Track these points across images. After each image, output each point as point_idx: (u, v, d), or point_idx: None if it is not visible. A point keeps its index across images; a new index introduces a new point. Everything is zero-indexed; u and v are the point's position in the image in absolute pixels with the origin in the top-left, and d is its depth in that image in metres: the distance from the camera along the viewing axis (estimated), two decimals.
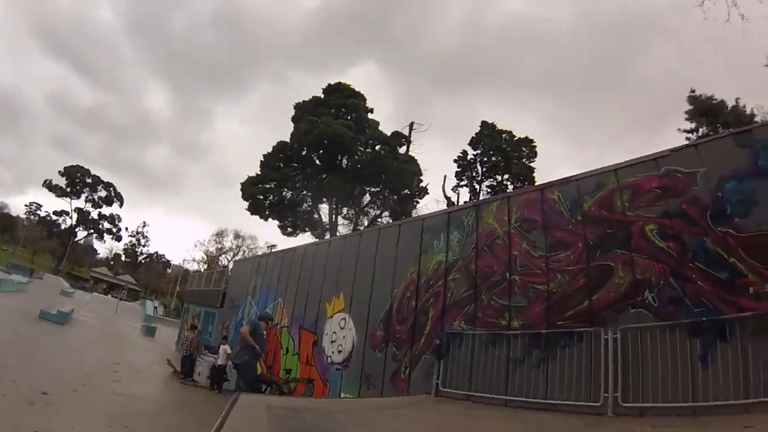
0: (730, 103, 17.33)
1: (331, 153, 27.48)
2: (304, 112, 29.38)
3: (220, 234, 66.54)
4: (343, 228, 29.66)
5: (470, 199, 28.17)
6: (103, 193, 77.90)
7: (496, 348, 6.85)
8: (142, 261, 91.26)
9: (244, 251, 60.71)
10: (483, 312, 7.33)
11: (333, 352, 10.64)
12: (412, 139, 30.26)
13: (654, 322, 5.59)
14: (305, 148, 27.86)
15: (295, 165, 29.17)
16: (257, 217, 30.17)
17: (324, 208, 29.88)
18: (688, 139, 17.51)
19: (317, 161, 28.26)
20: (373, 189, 29.61)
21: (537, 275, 6.84)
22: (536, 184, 22.73)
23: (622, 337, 5.68)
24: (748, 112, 17.12)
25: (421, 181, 29.83)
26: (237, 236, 64.83)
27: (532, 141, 29.70)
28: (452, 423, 5.29)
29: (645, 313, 5.77)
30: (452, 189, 29.34)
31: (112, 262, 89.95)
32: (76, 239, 79.26)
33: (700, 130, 17.53)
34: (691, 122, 17.98)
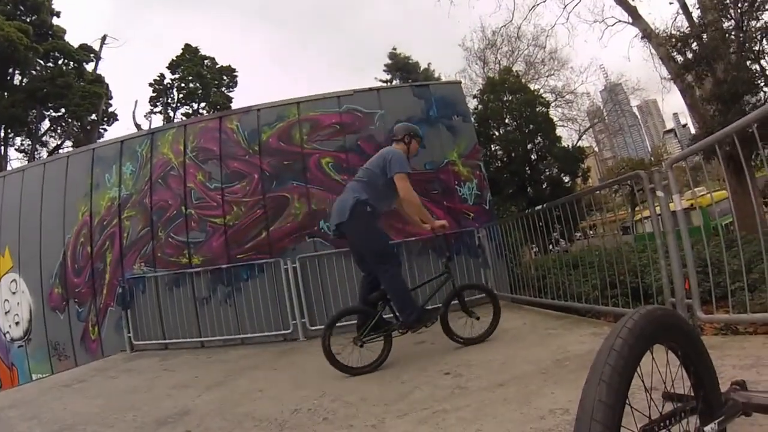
0: (423, 66, 20.45)
1: (0, 65, 20.82)
2: None
3: None
4: (18, 163, 23.17)
5: None
6: None
7: (181, 288, 6.41)
8: None
9: None
10: (162, 251, 6.68)
11: (10, 326, 8.49)
12: (102, 56, 25.19)
13: (330, 250, 6.05)
14: None
15: None
16: None
17: None
18: None
19: None
20: (53, 114, 23.84)
21: (213, 208, 6.52)
22: None
23: (301, 264, 6.00)
24: (436, 75, 20.12)
25: (111, 105, 25.57)
26: None
27: (234, 70, 28.16)
28: (145, 383, 4.65)
29: (321, 241, 6.22)
30: (145, 116, 26.68)
31: None
32: None
33: (394, 82, 20.08)
34: (388, 74, 20.59)
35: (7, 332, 8.47)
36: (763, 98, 9.19)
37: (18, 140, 23.98)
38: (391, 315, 3.91)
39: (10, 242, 8.59)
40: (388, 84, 19.33)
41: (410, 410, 2.65)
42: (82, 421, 3.48)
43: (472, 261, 6.34)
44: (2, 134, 22.28)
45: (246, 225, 6.37)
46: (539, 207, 5.42)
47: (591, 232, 13.74)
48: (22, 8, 22.46)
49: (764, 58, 9.27)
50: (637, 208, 20.01)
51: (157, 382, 4.66)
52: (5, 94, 21.37)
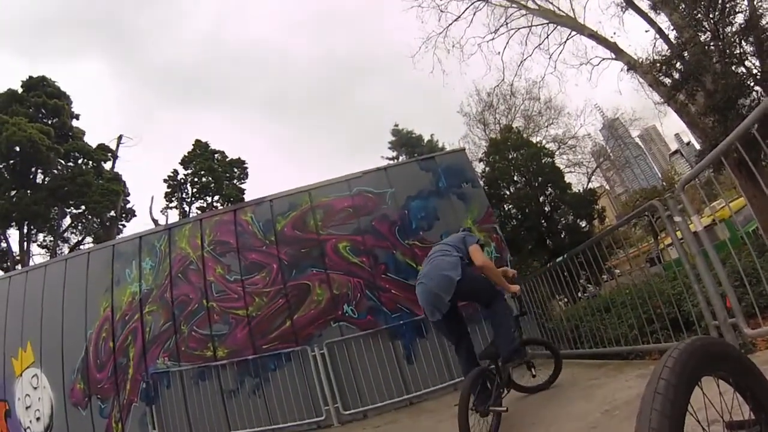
0: (426, 138, 21.14)
1: (23, 164, 21.56)
2: None
3: None
4: (40, 258, 23.67)
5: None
6: None
7: (207, 381, 6.35)
8: None
9: None
10: (186, 345, 6.66)
11: (31, 421, 8.38)
12: (119, 155, 26.33)
13: (357, 333, 6.06)
14: None
15: None
16: None
17: (13, 234, 23.22)
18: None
19: (5, 174, 21.82)
20: (74, 211, 24.55)
21: (234, 300, 6.56)
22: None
23: (329, 350, 5.98)
24: (440, 145, 20.92)
25: (128, 201, 26.42)
26: None
27: (244, 162, 29.04)
28: None
29: (347, 325, 6.22)
30: (161, 211, 27.16)
31: None
32: None
33: (400, 158, 20.82)
34: (393, 151, 21.41)
35: (28, 428, 8.32)
36: (757, 97, 9.15)
37: (40, 236, 24.56)
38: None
39: (32, 337, 8.63)
40: (395, 161, 19.72)
41: None
42: None
43: None
44: (25, 230, 22.87)
45: (269, 315, 6.38)
46: (559, 259, 5.37)
47: (617, 271, 13.51)
48: (43, 111, 23.77)
49: (747, 59, 9.35)
50: (659, 237, 19.72)
51: None
52: (28, 192, 22.14)
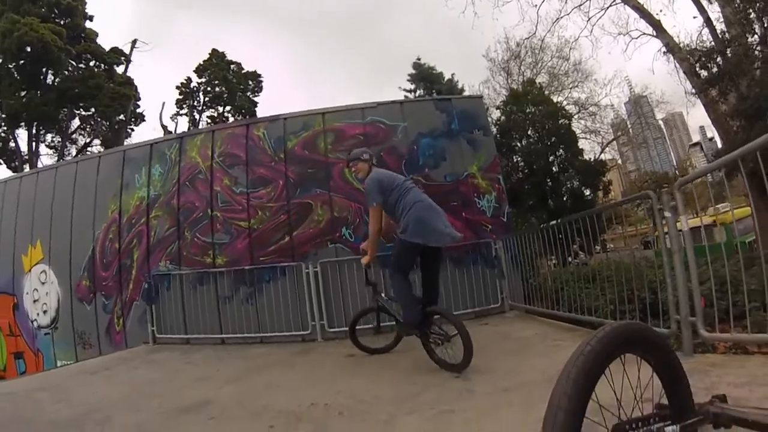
0: (447, 76, 20.21)
1: (34, 65, 21.33)
2: (5, 6, 21.24)
3: None
4: (48, 159, 24.13)
5: (189, 129, 26.35)
6: None
7: (204, 287, 6.62)
8: None
9: None
10: (187, 250, 6.90)
11: (38, 314, 8.84)
12: (132, 59, 25.94)
13: (350, 256, 6.19)
14: (1, 56, 20.84)
15: None
16: None
17: (22, 134, 23.53)
18: (406, 97, 19.70)
19: (16, 74, 21.64)
20: (83, 113, 24.56)
21: (238, 211, 6.73)
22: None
23: (322, 269, 6.18)
24: (460, 86, 20.24)
25: (138, 106, 26.21)
26: None
27: (259, 75, 28.77)
28: (168, 374, 4.89)
29: (342, 247, 6.39)
30: (171, 117, 27.44)
31: None
32: None
33: (418, 92, 20.01)
34: (412, 84, 20.44)
35: (35, 320, 8.81)
36: None
37: (48, 137, 24.70)
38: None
39: (41, 235, 8.95)
40: (412, 94, 19.46)
41: (419, 409, 2.82)
42: (109, 405, 3.69)
43: (488, 271, 6.45)
44: (34, 131, 23.06)
45: (270, 229, 6.56)
46: (555, 222, 5.48)
47: (611, 245, 13.67)
48: (56, 11, 23.22)
49: None
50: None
51: (179, 374, 4.88)
52: (38, 92, 22.11)
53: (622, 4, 13.57)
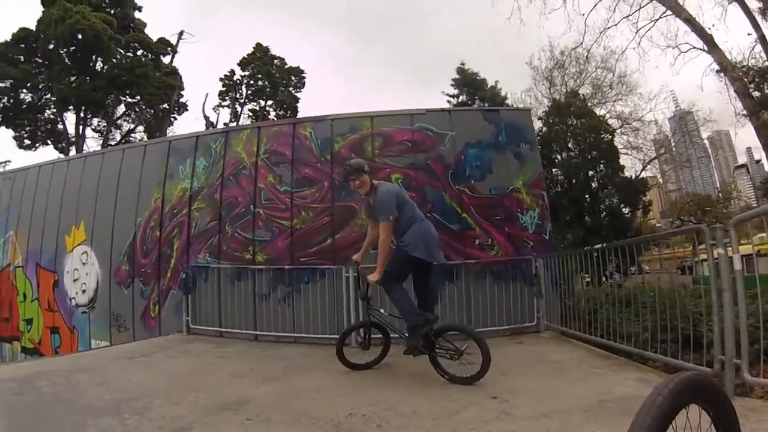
0: (490, 83, 19.79)
1: (84, 52, 22.03)
2: None
3: None
4: (93, 142, 25.14)
5: (230, 121, 27.44)
6: None
7: (242, 282, 6.66)
8: None
9: None
10: (227, 245, 6.97)
11: (77, 293, 9.08)
12: (178, 50, 26.70)
13: None
14: (53, 42, 21.67)
15: (39, 61, 22.81)
16: None
17: (70, 118, 24.41)
18: (449, 102, 19.61)
19: (66, 60, 22.44)
20: (129, 100, 25.39)
21: (281, 210, 6.76)
22: (299, 116, 23.32)
23: (363, 275, 5.97)
24: (503, 94, 19.82)
25: (182, 96, 26.91)
26: None
27: (302, 71, 29.25)
28: (204, 366, 4.95)
29: None
30: (213, 108, 27.96)
31: None
32: None
33: (460, 98, 19.71)
34: (455, 89, 20.03)
35: (73, 298, 9.06)
36: None
37: (95, 121, 25.60)
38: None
39: (85, 218, 9.20)
40: (455, 99, 19.30)
41: (458, 428, 2.79)
42: (148, 395, 3.71)
43: (525, 289, 6.31)
44: (81, 115, 23.94)
45: (312, 230, 6.57)
46: (599, 246, 5.34)
47: (646, 267, 13.26)
48: (107, 1, 24.18)
49: None
50: (700, 247, 19.01)
51: (215, 367, 4.91)
52: (87, 78, 22.86)
53: (673, 16, 13.18)
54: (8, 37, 23.04)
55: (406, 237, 4.12)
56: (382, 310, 4.62)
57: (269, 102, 28.00)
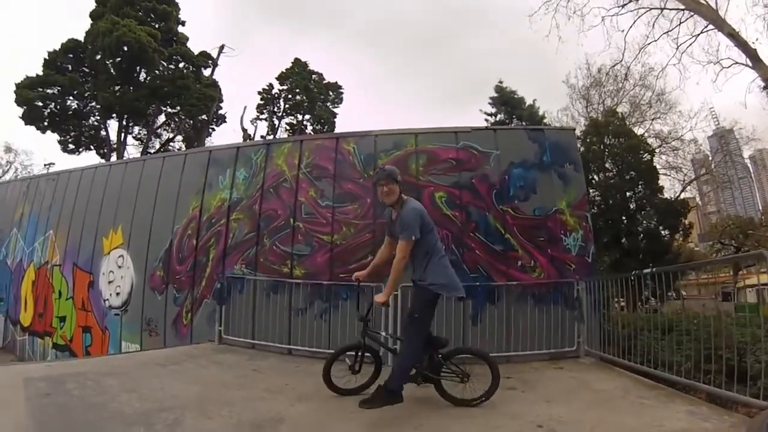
0: (528, 102, 19.65)
1: (129, 63, 22.99)
2: (106, 8, 23.49)
3: None
4: (133, 149, 26.09)
5: (268, 134, 28.00)
6: None
7: (278, 295, 6.61)
8: None
9: (17, 168, 49.39)
10: (265, 257, 6.94)
11: (111, 295, 9.21)
12: (219, 63, 27.60)
13: None
14: (100, 53, 22.68)
15: (86, 70, 23.86)
16: (33, 128, 24.09)
17: (113, 125, 25.45)
18: (486, 120, 19.56)
19: (112, 70, 23.47)
20: (170, 110, 26.23)
21: (322, 225, 6.70)
22: (336, 131, 23.78)
23: (402, 293, 5.87)
24: (541, 113, 19.58)
25: (221, 108, 27.76)
26: (8, 149, 51.82)
27: (340, 87, 29.86)
28: (236, 378, 4.89)
29: None
30: (251, 121, 28.60)
31: None
32: None
33: (498, 116, 19.64)
34: (493, 107, 19.98)
35: (107, 299, 9.19)
36: None
37: (136, 129, 26.64)
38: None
39: (123, 222, 9.35)
40: (493, 117, 19.20)
41: None
42: (180, 406, 3.66)
43: (567, 313, 6.10)
44: (124, 123, 24.92)
45: (353, 246, 6.49)
46: (648, 270, 5.12)
47: (684, 293, 12.78)
48: (152, 15, 25.22)
49: None
50: (740, 272, 18.25)
51: (248, 381, 4.83)
52: (131, 88, 23.78)
53: (714, 30, 12.75)
54: (57, 47, 24.30)
55: (429, 275, 3.79)
56: (383, 333, 4.57)
57: (307, 116, 28.58)
